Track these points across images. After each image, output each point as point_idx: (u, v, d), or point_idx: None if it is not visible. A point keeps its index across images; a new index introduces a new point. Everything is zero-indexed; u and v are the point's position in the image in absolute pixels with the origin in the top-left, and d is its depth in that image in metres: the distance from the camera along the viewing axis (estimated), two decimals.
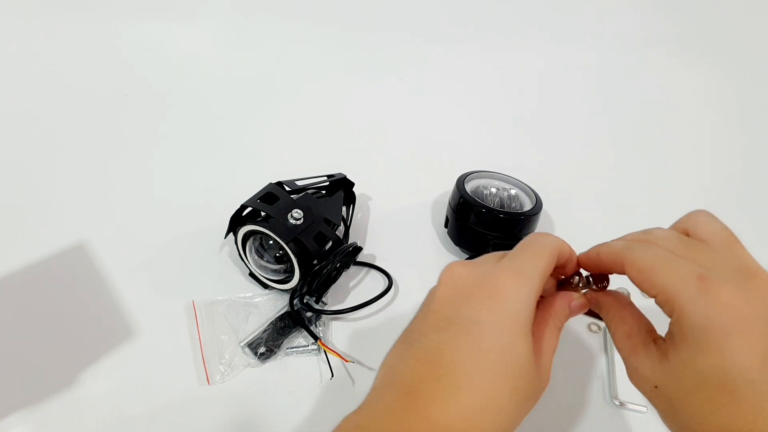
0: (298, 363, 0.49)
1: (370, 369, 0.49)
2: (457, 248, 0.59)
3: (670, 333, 0.28)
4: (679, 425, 0.28)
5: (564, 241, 0.33)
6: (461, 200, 0.56)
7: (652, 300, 0.29)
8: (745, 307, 0.25)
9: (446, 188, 0.61)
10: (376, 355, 0.50)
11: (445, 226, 0.60)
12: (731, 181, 0.71)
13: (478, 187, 0.58)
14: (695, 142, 0.76)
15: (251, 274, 0.54)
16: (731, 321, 0.25)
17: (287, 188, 0.53)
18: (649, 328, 0.31)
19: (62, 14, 0.89)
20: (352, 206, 0.59)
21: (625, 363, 0.31)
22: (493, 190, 0.58)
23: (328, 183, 0.57)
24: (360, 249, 0.54)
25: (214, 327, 0.51)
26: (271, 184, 0.52)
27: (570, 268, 0.34)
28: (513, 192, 0.58)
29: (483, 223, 0.55)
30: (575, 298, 0.33)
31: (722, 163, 0.73)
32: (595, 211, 0.65)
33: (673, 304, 0.27)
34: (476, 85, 0.83)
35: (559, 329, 0.32)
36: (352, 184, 0.59)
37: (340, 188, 0.57)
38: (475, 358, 0.28)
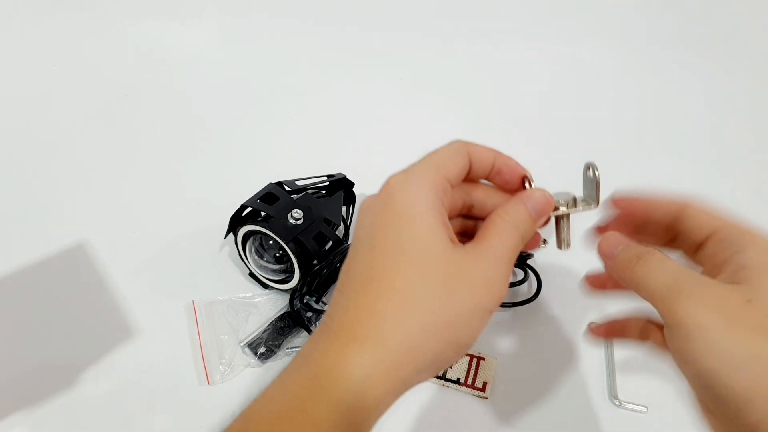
0: None
1: None
2: None
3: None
4: None
5: (475, 144, 0.31)
6: None
7: None
8: None
9: None
10: None
11: None
12: (732, 181, 0.71)
13: None
14: (696, 142, 0.76)
15: (251, 274, 0.54)
16: None
17: (287, 188, 0.53)
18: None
19: (62, 14, 0.89)
20: (352, 206, 0.59)
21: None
22: None
23: (328, 183, 0.56)
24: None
25: (214, 327, 0.51)
26: (271, 184, 0.52)
27: (508, 174, 0.31)
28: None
29: None
30: (529, 194, 0.30)
31: (723, 163, 0.73)
32: (595, 211, 0.65)
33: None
34: (476, 85, 0.83)
35: (516, 228, 0.28)
36: (352, 184, 0.58)
37: (340, 188, 0.57)
38: (373, 266, 0.26)
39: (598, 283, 0.34)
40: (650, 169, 0.72)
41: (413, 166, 0.28)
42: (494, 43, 0.91)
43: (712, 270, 0.27)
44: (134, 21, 0.89)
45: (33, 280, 0.54)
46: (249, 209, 0.51)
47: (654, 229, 0.31)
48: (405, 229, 0.26)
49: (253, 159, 0.69)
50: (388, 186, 0.28)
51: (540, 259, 0.57)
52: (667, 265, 0.27)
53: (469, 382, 0.48)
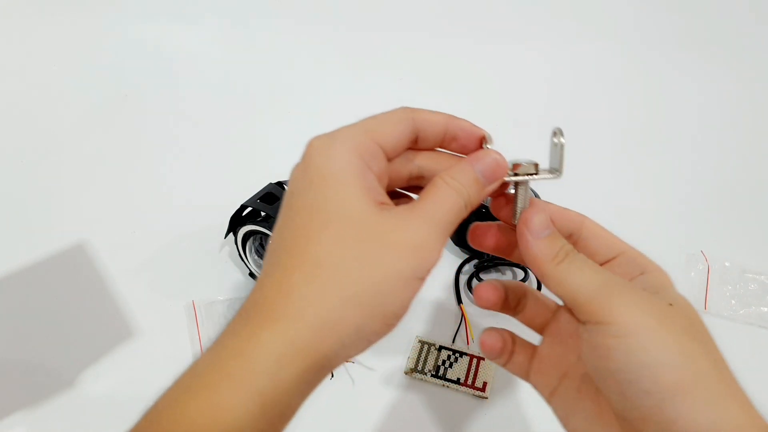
0: None
1: (370, 369, 0.49)
2: (457, 248, 0.59)
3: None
4: None
5: (422, 110, 0.28)
6: None
7: None
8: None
9: None
10: (375, 354, 0.50)
11: None
12: (732, 181, 0.70)
13: None
14: (696, 142, 0.76)
15: (251, 274, 0.54)
16: None
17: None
18: None
19: (62, 14, 0.89)
20: None
21: None
22: None
23: None
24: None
25: (214, 327, 0.51)
26: (271, 184, 0.52)
27: (465, 139, 0.29)
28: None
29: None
30: (480, 155, 0.28)
31: (723, 163, 0.73)
32: (596, 211, 0.64)
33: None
34: (476, 85, 0.83)
35: (459, 192, 0.26)
36: None
37: None
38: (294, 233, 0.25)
39: (483, 233, 0.32)
40: (651, 170, 0.72)
41: (340, 128, 0.26)
42: (495, 43, 0.91)
43: None
44: (134, 21, 0.89)
45: (33, 280, 0.54)
46: (249, 209, 0.51)
47: None
48: (322, 194, 0.24)
49: (253, 159, 0.69)
50: (308, 148, 0.26)
51: None
52: (593, 266, 0.27)
53: (469, 382, 0.48)
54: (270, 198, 0.51)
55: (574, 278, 0.27)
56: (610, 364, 0.25)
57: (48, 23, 0.87)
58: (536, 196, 0.32)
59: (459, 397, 0.48)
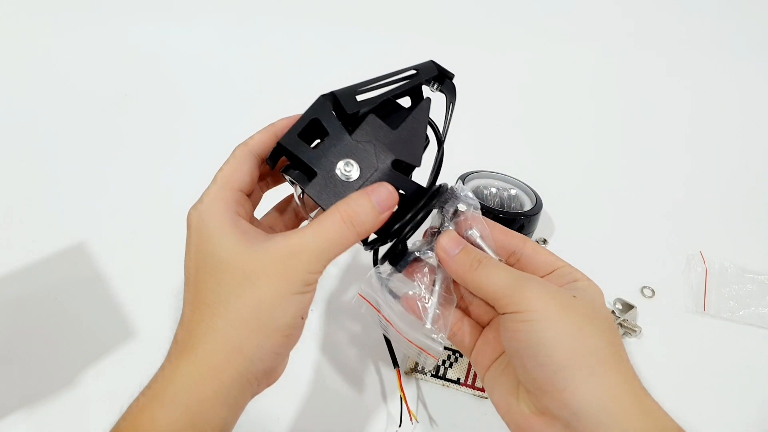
0: (299, 363, 0.50)
1: (370, 369, 0.49)
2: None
3: None
4: None
5: (255, 138, 0.35)
6: None
7: None
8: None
9: None
10: (376, 354, 0.50)
11: None
12: (730, 182, 0.71)
13: (478, 187, 0.58)
14: (696, 142, 0.76)
15: None
16: None
17: (348, 105, 0.34)
18: None
19: (63, 15, 0.89)
20: (451, 107, 0.38)
21: None
22: (493, 190, 0.58)
23: (409, 84, 0.36)
24: (446, 189, 0.37)
25: None
26: (320, 98, 0.34)
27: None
28: (513, 192, 0.58)
29: None
30: (375, 188, 0.33)
31: (721, 164, 0.73)
32: (596, 211, 0.65)
33: None
34: (476, 85, 0.83)
35: (346, 221, 0.30)
36: (450, 77, 0.39)
37: (430, 83, 0.38)
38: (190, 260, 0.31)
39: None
40: (651, 169, 0.72)
41: (205, 191, 0.33)
42: (495, 43, 0.91)
43: None
44: (135, 22, 0.89)
45: (33, 280, 0.54)
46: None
47: (498, 254, 0.36)
48: (205, 250, 0.30)
49: None
50: (188, 219, 0.32)
51: None
52: (504, 268, 0.33)
53: (469, 382, 0.48)
54: (314, 130, 0.34)
55: (489, 279, 0.32)
56: (518, 343, 0.31)
57: (49, 23, 0.87)
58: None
59: (459, 397, 0.48)
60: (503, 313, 0.31)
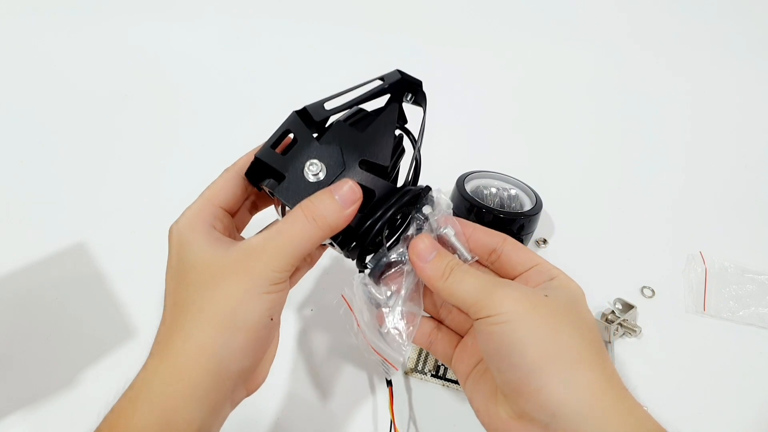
0: (299, 363, 0.50)
1: (370, 369, 0.49)
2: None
3: None
4: None
5: (241, 162, 0.36)
6: (461, 200, 0.56)
7: None
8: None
9: (446, 188, 0.61)
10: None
11: None
12: (730, 182, 0.71)
13: (478, 187, 0.58)
14: (696, 142, 0.76)
15: None
16: None
17: (316, 117, 0.35)
18: None
19: (63, 14, 0.89)
20: (424, 113, 0.39)
21: None
22: (493, 190, 0.58)
23: (379, 90, 0.37)
24: (428, 190, 0.37)
25: None
26: (293, 114, 0.35)
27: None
28: (513, 192, 0.58)
29: (483, 223, 0.54)
30: (338, 186, 0.33)
31: (720, 164, 0.73)
32: (596, 211, 0.65)
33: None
34: (476, 85, 0.83)
35: (309, 218, 0.31)
36: (418, 84, 0.38)
37: (400, 92, 0.38)
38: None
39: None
40: (651, 169, 0.72)
41: (187, 207, 0.34)
42: (495, 43, 0.91)
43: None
44: (135, 22, 0.89)
45: (33, 280, 0.54)
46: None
47: (479, 253, 0.37)
48: (181, 258, 0.32)
49: None
50: (169, 234, 0.33)
51: None
52: (474, 273, 0.33)
53: None
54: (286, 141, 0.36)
55: (460, 287, 0.32)
56: (491, 345, 0.31)
57: (49, 23, 0.87)
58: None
59: (459, 397, 0.48)
60: (477, 319, 0.32)
